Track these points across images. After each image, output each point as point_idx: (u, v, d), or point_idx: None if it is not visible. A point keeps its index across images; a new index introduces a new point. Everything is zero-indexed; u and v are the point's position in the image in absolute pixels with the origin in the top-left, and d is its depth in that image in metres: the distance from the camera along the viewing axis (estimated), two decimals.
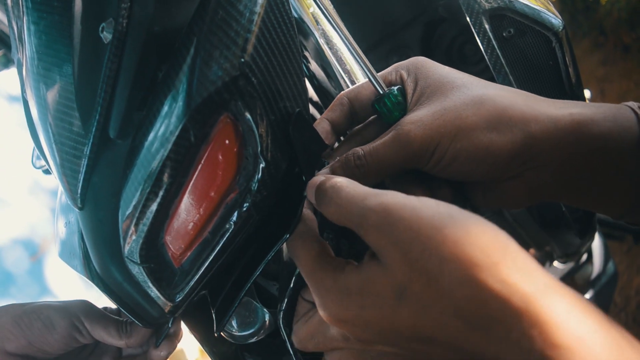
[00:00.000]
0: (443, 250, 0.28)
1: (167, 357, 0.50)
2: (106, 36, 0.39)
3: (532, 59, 0.52)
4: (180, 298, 0.39)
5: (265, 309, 0.48)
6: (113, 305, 0.49)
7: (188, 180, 0.37)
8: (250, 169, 0.36)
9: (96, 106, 0.39)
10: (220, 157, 0.36)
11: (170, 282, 0.39)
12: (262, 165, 0.35)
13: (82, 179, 0.40)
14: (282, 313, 0.41)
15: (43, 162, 0.61)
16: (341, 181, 0.34)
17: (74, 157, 0.40)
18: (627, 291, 1.38)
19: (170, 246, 0.39)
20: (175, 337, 0.49)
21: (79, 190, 0.41)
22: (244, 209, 0.36)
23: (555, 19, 0.51)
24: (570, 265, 0.89)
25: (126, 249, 0.38)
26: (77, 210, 0.42)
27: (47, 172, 0.65)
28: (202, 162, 0.36)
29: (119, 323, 0.48)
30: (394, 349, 0.32)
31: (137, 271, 0.39)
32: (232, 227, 0.37)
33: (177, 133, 0.34)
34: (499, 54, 0.52)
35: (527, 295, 0.26)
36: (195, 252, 0.38)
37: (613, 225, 1.06)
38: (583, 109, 0.37)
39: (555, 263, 0.91)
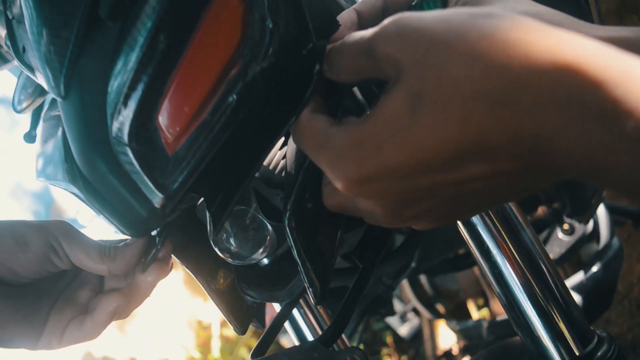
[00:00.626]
0: (450, 42, 0.25)
1: (154, 284, 0.45)
2: None
3: None
4: (174, 187, 0.35)
5: (269, 223, 0.43)
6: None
7: (185, 49, 0.34)
8: (256, 37, 0.33)
9: None
10: (222, 22, 0.33)
11: (162, 170, 0.35)
12: (269, 27, 0.32)
13: (66, 63, 0.37)
14: (288, 213, 0.37)
15: (24, 104, 0.57)
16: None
17: (59, 40, 0.37)
18: (629, 278, 1.35)
19: (163, 129, 0.35)
20: (165, 262, 0.45)
21: (63, 77, 0.37)
22: (249, 78, 0.33)
23: None
24: (576, 237, 0.86)
25: (114, 128, 0.34)
26: (59, 100, 0.38)
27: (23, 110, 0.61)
28: (202, 27, 0.33)
29: (101, 246, 0.43)
30: (433, 187, 0.29)
31: (125, 156, 0.35)
32: (235, 100, 0.33)
33: None
34: None
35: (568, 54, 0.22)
36: (191, 137, 0.35)
37: (612, 208, 1.03)
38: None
39: (560, 235, 0.87)
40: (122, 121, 0.34)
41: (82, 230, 0.44)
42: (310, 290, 0.39)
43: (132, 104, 0.34)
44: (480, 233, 0.48)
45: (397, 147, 0.27)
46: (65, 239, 0.42)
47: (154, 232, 0.46)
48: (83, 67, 0.37)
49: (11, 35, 0.46)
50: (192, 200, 0.40)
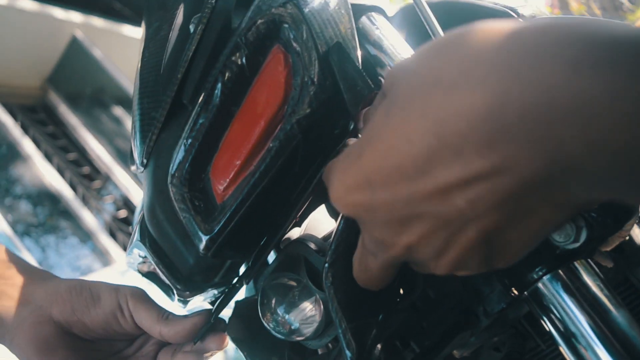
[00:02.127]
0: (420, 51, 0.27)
1: (208, 355, 0.45)
2: (193, 27, 0.47)
3: None
4: (216, 230, 0.38)
5: (319, 293, 0.42)
6: None
7: (237, 110, 0.39)
8: (297, 97, 0.38)
9: (174, 78, 0.45)
10: (269, 87, 0.39)
11: (209, 215, 0.39)
12: (308, 86, 0.37)
13: (150, 136, 0.44)
14: (326, 265, 0.37)
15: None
16: None
17: (149, 120, 0.45)
18: None
19: (214, 182, 0.39)
20: (219, 337, 0.45)
21: (146, 148, 0.44)
22: (288, 127, 0.37)
23: None
24: None
25: (172, 172, 0.39)
26: (141, 171, 0.45)
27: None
28: (252, 91, 0.39)
29: (161, 310, 0.46)
30: (412, 200, 0.26)
31: (181, 202, 0.39)
32: (275, 146, 0.37)
33: (228, 51, 0.38)
34: None
35: None
36: (238, 189, 0.39)
37: None
38: None
39: None
40: (180, 168, 0.39)
41: None
42: (348, 354, 0.37)
43: (191, 151, 0.39)
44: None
45: (373, 151, 0.27)
46: (133, 300, 0.45)
47: (209, 307, 0.47)
48: (161, 141, 0.44)
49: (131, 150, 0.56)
50: (231, 255, 0.42)
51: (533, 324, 0.59)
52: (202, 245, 0.38)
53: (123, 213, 3.01)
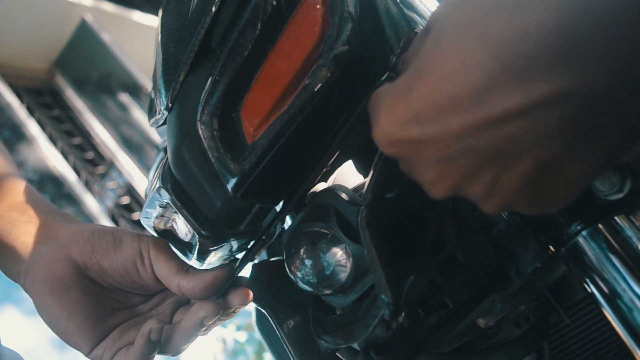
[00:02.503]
0: None
1: (234, 310, 0.44)
2: None
3: None
4: (247, 169, 0.36)
5: (349, 244, 0.41)
6: None
7: (271, 48, 0.38)
8: (334, 35, 0.36)
9: (203, 21, 0.43)
10: (306, 24, 0.37)
11: (239, 154, 0.37)
12: (347, 22, 0.35)
13: (177, 79, 0.43)
14: (361, 208, 0.36)
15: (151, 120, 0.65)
16: None
17: (175, 62, 0.44)
18: None
19: (245, 121, 0.38)
20: (243, 292, 0.44)
21: (171, 91, 0.43)
22: (325, 64, 0.35)
23: None
24: None
25: (204, 115, 0.38)
26: (166, 114, 0.44)
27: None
28: (288, 29, 0.38)
29: (181, 263, 0.44)
30: (466, 134, 0.25)
31: (209, 137, 0.37)
32: (311, 83, 0.35)
33: None
34: None
35: None
36: (270, 128, 0.37)
37: None
38: None
39: None
40: (209, 108, 0.37)
41: None
42: (383, 299, 0.35)
43: (220, 95, 0.37)
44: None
45: (424, 85, 0.25)
46: (155, 249, 0.44)
47: (231, 264, 0.46)
48: (188, 83, 0.43)
49: (150, 105, 0.54)
50: (259, 198, 0.40)
51: (558, 297, 0.57)
52: (231, 185, 0.36)
53: (125, 200, 2.99)
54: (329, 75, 0.35)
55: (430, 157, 0.27)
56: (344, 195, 0.41)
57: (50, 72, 3.16)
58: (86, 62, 3.19)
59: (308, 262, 0.42)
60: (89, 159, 3.06)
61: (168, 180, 0.41)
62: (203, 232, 0.40)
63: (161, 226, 0.49)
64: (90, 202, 2.79)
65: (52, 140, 2.92)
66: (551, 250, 0.40)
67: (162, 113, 0.44)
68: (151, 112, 0.55)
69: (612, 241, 0.37)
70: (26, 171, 2.76)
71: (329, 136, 0.38)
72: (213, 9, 0.43)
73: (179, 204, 0.40)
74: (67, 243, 0.43)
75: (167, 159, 0.44)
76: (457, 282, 0.45)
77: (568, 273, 0.48)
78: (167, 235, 0.48)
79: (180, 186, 0.40)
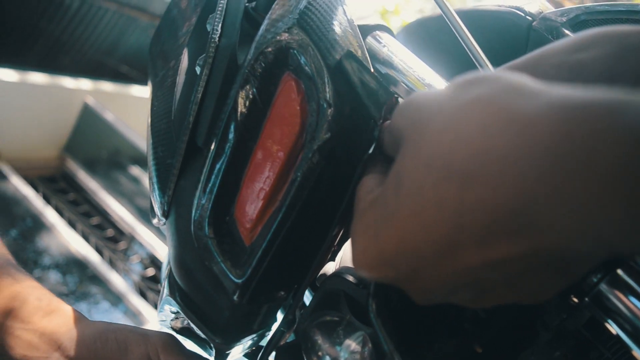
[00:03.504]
0: (431, 115, 0.25)
1: None
2: (199, 68, 0.46)
3: None
4: (249, 273, 0.36)
5: (365, 329, 0.40)
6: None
7: (255, 144, 0.38)
8: (314, 124, 0.36)
9: (186, 122, 0.44)
10: (285, 116, 0.37)
11: (239, 258, 0.36)
12: (325, 109, 0.35)
13: (169, 185, 0.43)
14: (370, 295, 0.35)
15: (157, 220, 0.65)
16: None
17: (165, 167, 0.44)
18: None
19: (240, 223, 0.38)
20: None
21: (166, 198, 0.43)
22: (310, 155, 0.35)
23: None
24: None
25: (195, 224, 0.37)
26: (165, 222, 0.43)
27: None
28: (268, 123, 0.38)
29: (196, 358, 0.43)
30: (438, 277, 0.25)
31: (206, 251, 0.37)
32: (299, 177, 0.35)
33: (238, 86, 0.36)
34: None
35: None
36: (266, 227, 0.37)
37: None
38: None
39: None
40: (202, 215, 0.37)
41: None
42: None
43: (210, 197, 0.37)
44: None
45: (388, 234, 0.26)
46: (165, 351, 0.43)
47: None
48: (180, 189, 0.43)
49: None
50: (267, 298, 0.39)
51: (594, 331, 0.55)
52: (235, 294, 0.36)
53: (151, 271, 3.00)
54: (315, 166, 0.35)
55: (406, 286, 0.28)
56: (351, 278, 0.40)
57: (60, 158, 3.23)
58: (94, 142, 3.26)
59: (326, 353, 0.40)
60: (110, 237, 3.08)
61: (175, 289, 0.41)
62: (216, 340, 0.39)
63: (178, 325, 0.48)
64: (116, 280, 2.80)
65: (71, 224, 2.96)
66: (574, 300, 0.39)
67: (160, 219, 0.44)
68: (152, 211, 0.55)
69: (633, 284, 0.36)
70: (51, 259, 2.79)
71: (327, 221, 0.37)
72: (194, 110, 0.43)
73: (188, 313, 0.39)
74: (71, 352, 0.42)
75: (170, 267, 0.44)
76: (485, 342, 0.44)
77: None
78: (186, 333, 0.47)
79: (187, 295, 0.40)
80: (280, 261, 0.36)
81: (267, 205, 0.37)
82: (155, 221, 0.49)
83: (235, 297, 0.36)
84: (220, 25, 0.47)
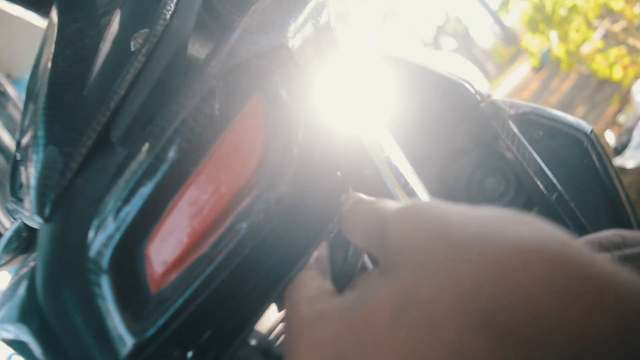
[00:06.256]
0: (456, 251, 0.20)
1: None
2: (135, 44, 0.37)
3: (566, 158, 0.50)
4: (149, 333, 0.28)
5: None
6: None
7: (195, 171, 0.30)
8: (276, 165, 0.30)
9: (104, 107, 0.34)
10: (242, 146, 0.30)
11: (139, 310, 0.29)
12: (293, 156, 0.29)
13: (60, 180, 0.33)
14: None
15: (5, 258, 0.53)
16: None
17: (59, 156, 0.34)
18: None
19: (150, 262, 0.30)
20: None
21: (53, 195, 0.33)
22: (264, 207, 0.29)
23: (583, 123, 0.51)
24: None
25: (93, 251, 0.29)
26: (40, 222, 0.33)
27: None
28: (218, 149, 0.31)
29: None
30: None
31: (98, 287, 0.29)
32: (244, 230, 0.29)
33: (202, 95, 0.29)
34: (531, 151, 0.50)
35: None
36: (183, 274, 0.29)
37: None
38: None
39: None
40: (106, 244, 0.29)
41: None
42: None
43: (122, 226, 0.29)
44: None
45: None
46: None
47: None
48: (78, 187, 0.33)
49: (13, 173, 0.43)
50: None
51: None
52: (124, 350, 0.28)
53: None
54: (266, 221, 0.29)
55: None
56: (254, 342, 0.35)
57: None
58: None
59: None
60: None
61: (34, 314, 0.31)
62: None
63: (10, 336, 0.38)
64: None
65: None
66: None
67: (31, 216, 0.34)
68: (15, 195, 0.44)
69: None
70: None
71: (264, 289, 0.31)
72: (118, 95, 0.34)
73: (47, 356, 0.30)
74: None
75: (28, 281, 0.34)
76: None
77: None
78: (20, 348, 0.37)
79: (50, 331, 0.30)
80: (193, 327, 0.29)
81: (192, 249, 0.29)
82: (16, 213, 0.38)
83: (122, 356, 0.28)
84: (175, 1, 0.38)
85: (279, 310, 0.42)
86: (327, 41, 0.35)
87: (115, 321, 0.28)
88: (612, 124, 3.54)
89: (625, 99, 3.60)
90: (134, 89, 0.35)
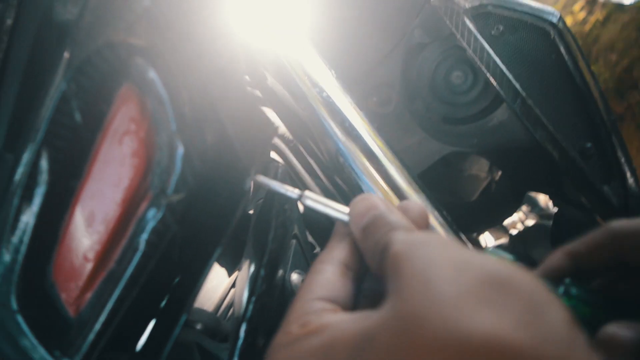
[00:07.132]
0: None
1: None
2: None
3: (530, 54, 0.45)
4: (82, 354, 0.27)
5: None
6: None
7: (79, 184, 0.27)
8: (165, 162, 0.26)
9: None
10: (121, 148, 0.27)
11: (62, 339, 0.27)
12: (180, 153, 0.26)
13: None
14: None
15: None
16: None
17: None
18: None
19: (62, 287, 0.28)
20: None
21: None
22: (159, 219, 0.26)
23: (549, 10, 0.45)
24: None
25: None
26: None
27: None
28: (97, 155, 0.27)
29: None
30: None
31: (16, 328, 0.27)
32: (144, 247, 0.26)
33: (53, 104, 0.25)
34: (489, 51, 0.44)
35: None
36: (98, 293, 0.27)
37: None
38: None
39: None
40: (5, 278, 0.27)
41: None
42: None
43: (18, 257, 0.27)
44: None
45: None
46: None
47: None
48: None
49: None
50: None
51: None
52: None
53: None
54: (165, 231, 0.26)
55: None
56: (201, 326, 0.34)
57: None
58: None
59: None
60: None
61: None
62: None
63: None
64: None
65: None
66: None
67: None
68: None
69: None
70: None
71: (186, 291, 0.29)
72: None
73: None
74: None
75: None
76: None
77: None
78: None
79: None
80: (122, 336, 0.28)
81: (99, 267, 0.28)
82: None
83: None
84: None
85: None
86: None
87: (44, 356, 0.27)
88: None
89: None
90: (4, 80, 0.31)
